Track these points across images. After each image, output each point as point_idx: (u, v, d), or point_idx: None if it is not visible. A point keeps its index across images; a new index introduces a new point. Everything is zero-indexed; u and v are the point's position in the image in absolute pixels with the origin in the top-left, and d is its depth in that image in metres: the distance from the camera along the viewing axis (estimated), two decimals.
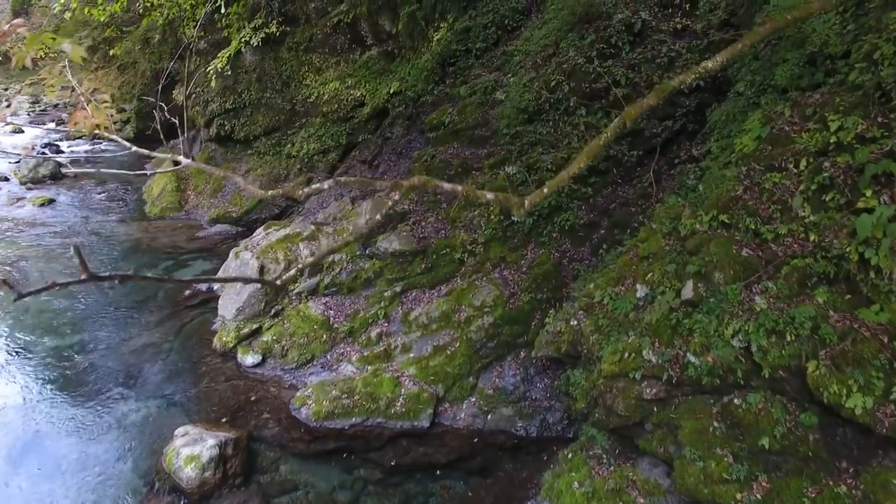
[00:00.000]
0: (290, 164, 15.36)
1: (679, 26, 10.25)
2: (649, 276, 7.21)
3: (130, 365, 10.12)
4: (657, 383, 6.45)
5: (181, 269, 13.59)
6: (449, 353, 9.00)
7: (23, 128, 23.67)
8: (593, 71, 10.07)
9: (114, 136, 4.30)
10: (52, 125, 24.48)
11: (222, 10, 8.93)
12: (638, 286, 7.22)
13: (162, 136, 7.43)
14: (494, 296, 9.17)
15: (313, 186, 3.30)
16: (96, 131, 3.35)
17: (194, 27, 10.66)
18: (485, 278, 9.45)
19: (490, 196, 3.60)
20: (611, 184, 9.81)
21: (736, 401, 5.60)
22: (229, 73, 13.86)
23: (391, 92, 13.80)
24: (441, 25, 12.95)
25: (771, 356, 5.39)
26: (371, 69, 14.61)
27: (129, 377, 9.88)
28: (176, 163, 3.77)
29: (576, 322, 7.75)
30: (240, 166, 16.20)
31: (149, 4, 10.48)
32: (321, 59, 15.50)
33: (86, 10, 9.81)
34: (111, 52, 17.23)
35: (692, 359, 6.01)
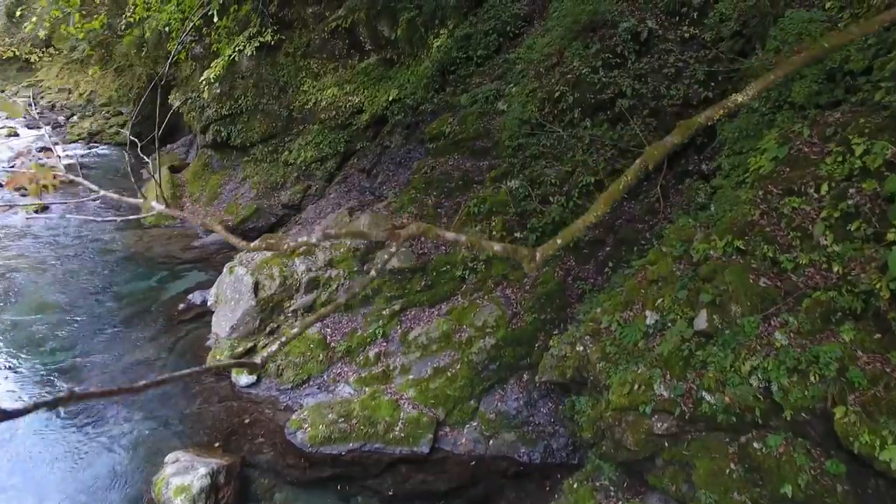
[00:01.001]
0: (287, 171, 14.97)
1: (687, 35, 9.85)
2: (659, 301, 6.84)
3: (119, 384, 9.76)
4: (669, 418, 6.09)
5: (176, 281, 13.20)
6: (449, 375, 8.63)
7: (18, 131, 23.25)
8: (598, 81, 9.68)
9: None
10: (48, 128, 24.04)
11: (215, 20, 8.55)
12: (647, 312, 6.85)
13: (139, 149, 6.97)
14: (496, 316, 8.80)
15: (300, 240, 2.92)
16: (47, 185, 2.97)
17: (178, 39, 10.26)
18: (486, 297, 9.07)
19: (498, 248, 3.22)
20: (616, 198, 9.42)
21: (755, 444, 5.23)
22: (219, 87, 13.43)
23: (390, 99, 13.41)
24: (441, 32, 12.55)
25: (793, 397, 5.02)
26: (370, 75, 14.21)
27: (121, 398, 9.52)
28: (147, 208, 3.38)
29: (582, 347, 7.38)
30: (236, 173, 15.81)
31: (132, 20, 10.08)
32: (319, 65, 15.10)
33: (62, 27, 9.42)
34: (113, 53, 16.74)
35: (706, 396, 5.64)
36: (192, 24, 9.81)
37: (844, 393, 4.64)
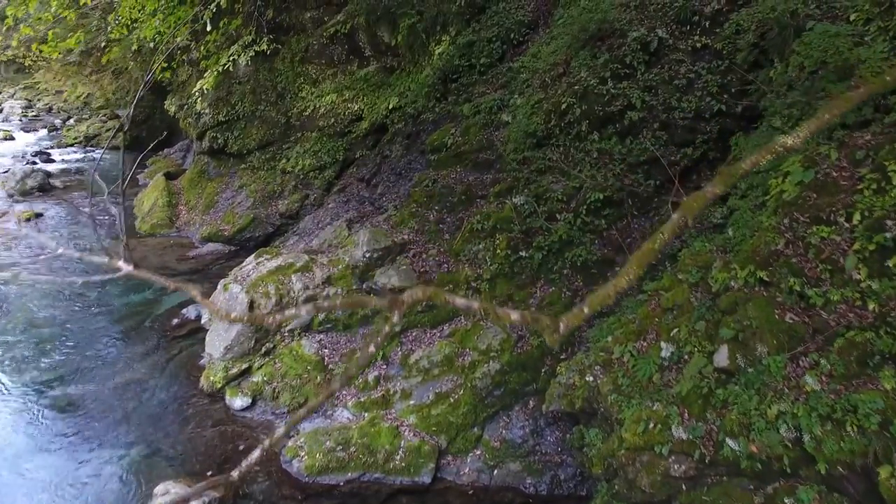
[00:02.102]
0: (284, 180, 14.51)
1: (698, 45, 9.39)
2: (675, 332, 6.42)
3: (112, 406, 9.33)
4: (687, 460, 5.66)
5: (170, 293, 12.74)
6: (452, 400, 8.20)
7: (14, 134, 22.77)
8: (607, 93, 9.22)
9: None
10: (44, 132, 23.56)
11: (208, 28, 8.10)
12: (662, 344, 6.42)
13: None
14: (501, 339, 8.36)
15: (287, 313, 2.47)
16: None
17: (164, 54, 9.82)
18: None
19: (515, 316, 2.76)
20: (626, 216, 8.98)
21: (786, 498, 4.79)
22: (214, 93, 12.96)
23: (390, 107, 12.96)
24: (443, 38, 12.09)
25: (827, 449, 4.58)
26: (369, 82, 13.75)
27: (111, 420, 9.09)
28: (113, 267, 2.91)
29: (592, 378, 6.94)
30: (233, 181, 15.34)
31: (114, 36, 9.58)
32: (317, 71, 14.63)
33: (34, 46, 8.98)
34: (103, 59, 16.32)
35: (729, 441, 5.21)
36: (178, 40, 9.38)
37: (890, 451, 4.21)
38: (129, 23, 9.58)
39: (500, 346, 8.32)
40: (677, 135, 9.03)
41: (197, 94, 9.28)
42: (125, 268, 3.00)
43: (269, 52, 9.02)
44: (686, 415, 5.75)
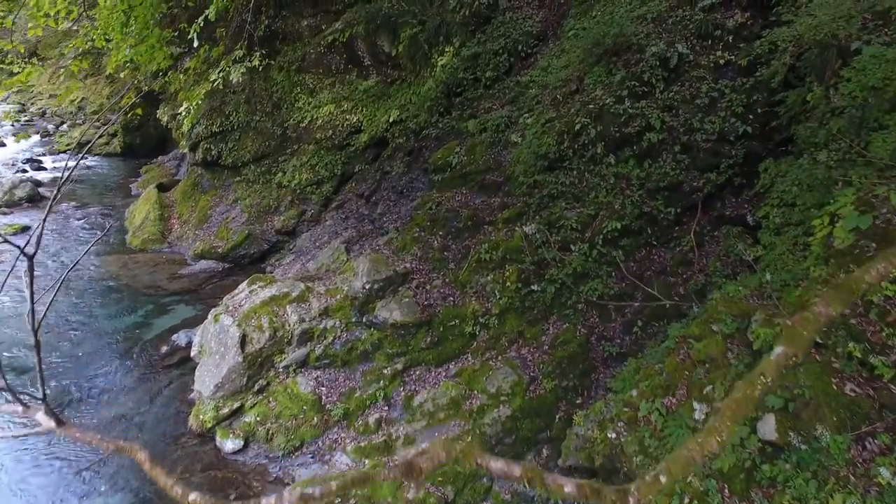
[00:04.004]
0: (280, 194, 13.69)
1: (721, 61, 8.63)
2: (708, 389, 5.68)
3: (93, 448, 8.55)
4: None
5: (161, 316, 11.96)
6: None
7: (4, 140, 21.85)
8: (624, 112, 8.45)
9: None
10: (36, 137, 22.64)
11: (195, 44, 7.32)
12: (695, 403, 5.68)
13: None
14: (512, 381, 7.62)
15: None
16: None
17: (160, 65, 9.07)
18: (500, 357, 7.89)
19: (570, 489, 1.99)
20: (644, 245, 8.23)
21: None
22: (208, 103, 12.17)
23: (390, 121, 12.15)
24: (446, 49, 11.27)
25: None
26: (369, 93, 12.92)
27: (95, 462, 8.33)
28: (34, 423, 2.15)
29: (614, 434, 6.21)
30: (227, 194, 14.51)
31: (99, 45, 8.57)
32: (315, 80, 13.79)
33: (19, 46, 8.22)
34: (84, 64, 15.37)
35: None
36: (155, 65, 8.63)
37: None
38: (105, 41, 8.79)
39: (510, 390, 7.58)
40: (700, 158, 8.28)
41: (184, 112, 8.50)
42: (46, 424, 2.21)
43: (260, 68, 8.24)
44: (727, 491, 5.02)
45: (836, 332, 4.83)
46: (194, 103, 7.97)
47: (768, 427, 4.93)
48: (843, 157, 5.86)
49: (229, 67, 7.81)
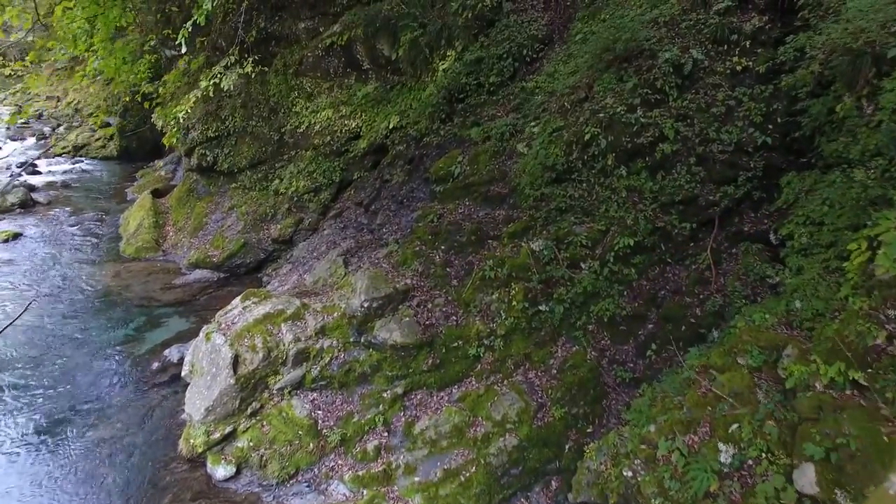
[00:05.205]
0: (277, 201, 13.15)
1: (738, 67, 8.09)
2: (734, 428, 5.17)
3: (83, 471, 8.04)
4: None
5: (154, 329, 11.43)
6: (463, 479, 6.93)
7: (0, 144, 21.28)
8: (636, 122, 7.91)
9: None
10: (32, 140, 22.07)
11: (183, 49, 6.79)
12: (720, 444, 5.16)
13: None
14: (518, 409, 7.10)
15: None
16: None
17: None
18: (506, 382, 7.37)
19: None
20: (658, 263, 7.70)
21: None
22: (203, 107, 11.64)
23: (390, 127, 11.61)
24: (448, 54, 10.72)
25: None
26: (368, 98, 12.37)
27: (79, 487, 7.82)
28: None
29: (630, 473, 5.70)
30: (223, 201, 13.97)
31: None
32: (312, 84, 13.24)
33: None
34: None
35: None
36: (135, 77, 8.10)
37: None
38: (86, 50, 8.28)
39: (517, 417, 7.06)
40: (716, 171, 7.74)
41: (173, 121, 7.97)
42: None
43: (253, 75, 7.71)
44: None
45: (885, 373, 4.31)
46: (183, 112, 7.43)
47: (807, 478, 4.42)
48: (881, 175, 5.33)
49: (221, 74, 7.28)
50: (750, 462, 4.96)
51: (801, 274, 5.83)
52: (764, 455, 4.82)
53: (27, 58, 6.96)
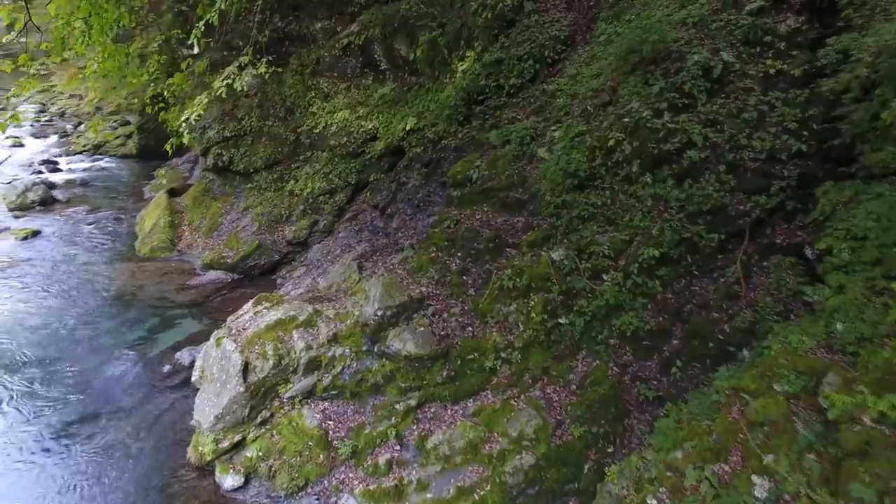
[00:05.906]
0: (292, 202, 12.95)
1: (772, 71, 7.66)
2: (770, 459, 4.78)
3: (91, 477, 7.89)
4: None
5: (167, 330, 11.28)
6: (477, 497, 6.64)
7: (23, 141, 21.40)
8: (662, 127, 7.52)
9: None
10: (54, 138, 22.17)
11: (195, 50, 6.63)
12: (755, 477, 4.78)
13: None
14: (536, 425, 6.77)
15: None
16: None
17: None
18: (523, 397, 7.05)
19: None
20: (684, 275, 7.31)
21: None
22: (220, 107, 11.45)
23: (407, 128, 11.32)
24: (467, 55, 10.40)
25: None
26: (385, 98, 12.10)
27: (87, 497, 7.66)
28: None
29: (655, 502, 5.34)
30: (238, 202, 13.82)
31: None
32: (329, 84, 13.03)
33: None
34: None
35: None
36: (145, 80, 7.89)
37: None
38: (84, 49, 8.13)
39: (534, 434, 6.74)
40: (747, 179, 7.33)
41: (184, 126, 7.78)
42: None
43: (267, 76, 7.48)
44: None
45: None
46: (194, 115, 7.23)
47: None
48: None
49: (234, 75, 7.06)
50: (787, 497, 4.58)
51: (843, 293, 5.42)
52: (804, 491, 4.44)
53: (19, 59, 6.81)
